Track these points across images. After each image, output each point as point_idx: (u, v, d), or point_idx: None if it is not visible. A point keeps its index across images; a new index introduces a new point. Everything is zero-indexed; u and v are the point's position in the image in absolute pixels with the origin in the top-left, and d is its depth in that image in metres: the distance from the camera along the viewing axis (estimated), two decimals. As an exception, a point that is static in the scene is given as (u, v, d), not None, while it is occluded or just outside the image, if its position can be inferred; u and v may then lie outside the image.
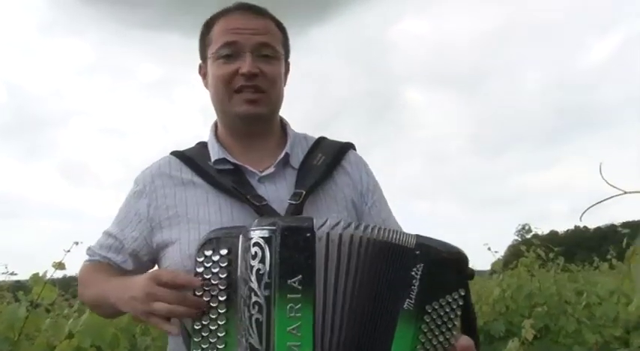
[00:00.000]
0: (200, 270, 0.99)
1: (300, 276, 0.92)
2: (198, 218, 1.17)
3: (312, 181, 1.19)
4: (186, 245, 1.16)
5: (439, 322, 0.96)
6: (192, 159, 1.25)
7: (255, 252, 0.94)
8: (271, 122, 1.27)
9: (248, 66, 1.17)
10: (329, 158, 1.25)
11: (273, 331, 0.92)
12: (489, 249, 4.87)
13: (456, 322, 0.98)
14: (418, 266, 0.96)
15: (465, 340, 0.99)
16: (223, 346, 0.97)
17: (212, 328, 0.98)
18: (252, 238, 0.95)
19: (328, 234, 0.95)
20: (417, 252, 0.97)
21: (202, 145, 1.29)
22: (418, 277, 0.95)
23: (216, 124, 1.30)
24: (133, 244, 1.24)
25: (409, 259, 0.96)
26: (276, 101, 1.24)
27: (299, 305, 0.92)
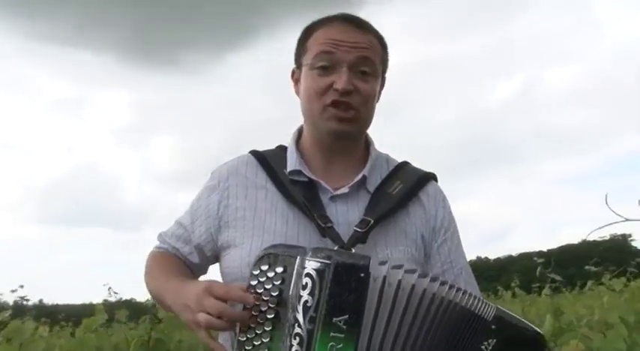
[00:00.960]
0: (254, 283, 1.00)
1: (346, 316, 0.90)
2: (264, 226, 1.17)
3: (383, 210, 1.15)
4: (247, 251, 1.16)
5: None
6: (270, 164, 1.24)
7: (306, 282, 0.93)
8: (358, 140, 1.25)
9: (343, 83, 1.14)
10: (406, 187, 1.20)
11: None
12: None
13: None
14: (490, 341, 0.91)
15: None
16: None
17: (256, 343, 0.98)
18: (305, 268, 0.94)
19: (385, 277, 0.93)
20: (493, 326, 0.92)
21: (282, 149, 1.28)
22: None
23: (299, 131, 1.29)
24: (199, 238, 1.25)
25: (482, 331, 0.92)
26: (366, 120, 1.22)
27: (341, 345, 0.90)
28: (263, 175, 1.23)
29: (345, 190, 1.19)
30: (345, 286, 0.91)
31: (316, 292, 0.92)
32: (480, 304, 0.93)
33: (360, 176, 1.20)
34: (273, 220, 1.17)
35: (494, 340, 0.90)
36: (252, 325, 0.99)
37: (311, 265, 0.94)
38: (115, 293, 4.63)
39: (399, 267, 0.94)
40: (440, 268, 1.18)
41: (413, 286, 0.92)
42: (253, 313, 0.99)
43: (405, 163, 1.28)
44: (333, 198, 1.18)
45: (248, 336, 0.99)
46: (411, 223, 1.19)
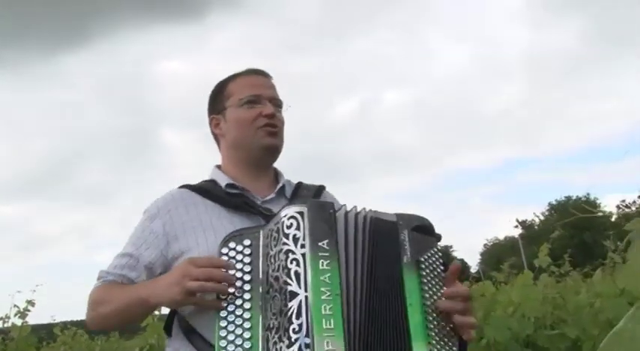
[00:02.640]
0: (225, 260, 1.20)
1: (327, 240, 1.17)
2: (214, 227, 1.37)
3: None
4: (205, 247, 1.32)
5: (432, 269, 1.25)
6: (203, 187, 1.48)
7: (291, 223, 1.18)
8: (277, 156, 1.55)
9: (270, 109, 1.48)
10: (312, 193, 1.54)
11: (309, 279, 1.13)
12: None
13: (441, 269, 1.26)
14: (405, 231, 1.26)
15: (464, 287, 1.28)
16: (249, 326, 1.16)
17: (237, 313, 1.17)
18: (286, 214, 1.20)
19: (346, 212, 1.24)
20: (400, 222, 1.27)
21: (207, 181, 1.52)
22: (407, 239, 1.25)
23: (217, 166, 1.56)
24: (148, 258, 1.38)
25: (395, 228, 1.26)
26: (283, 139, 1.54)
27: (328, 261, 1.15)
28: (199, 197, 1.45)
29: (272, 195, 1.49)
30: (322, 219, 1.19)
31: (301, 226, 1.17)
32: (385, 214, 1.29)
33: (281, 184, 1.52)
34: (219, 223, 1.38)
35: (407, 231, 1.26)
36: (231, 297, 1.17)
37: (293, 209, 1.20)
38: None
39: (349, 209, 1.27)
40: None
41: (355, 215, 1.25)
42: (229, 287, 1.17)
43: (302, 182, 1.60)
44: (263, 203, 1.46)
45: (228, 310, 1.17)
46: None
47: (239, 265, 1.20)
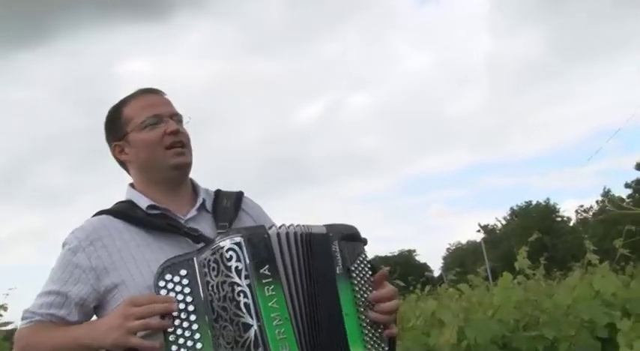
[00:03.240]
0: (163, 293, 1.21)
1: (267, 265, 1.22)
2: (145, 258, 1.35)
3: (230, 216, 1.48)
4: (141, 279, 1.31)
5: (362, 275, 1.33)
6: (123, 211, 1.43)
7: (231, 255, 1.21)
8: (189, 172, 1.54)
9: (173, 126, 1.46)
10: (232, 202, 1.54)
11: (259, 308, 1.18)
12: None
13: (369, 273, 1.34)
14: (335, 242, 1.32)
15: (390, 287, 1.37)
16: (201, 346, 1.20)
17: (187, 336, 1.20)
18: (223, 247, 1.22)
19: (278, 233, 1.28)
20: (330, 234, 1.33)
21: (124, 202, 1.48)
22: (337, 249, 1.32)
23: (131, 185, 1.52)
24: (79, 293, 1.34)
25: (326, 240, 1.32)
26: (191, 153, 1.53)
27: (272, 286, 1.21)
28: (121, 222, 1.41)
29: (193, 212, 1.48)
30: (258, 246, 1.23)
31: (241, 257, 1.21)
32: (315, 228, 1.34)
33: (200, 200, 1.51)
34: (149, 251, 1.37)
35: (337, 241, 1.33)
36: (180, 331, 1.19)
37: (229, 242, 1.22)
38: None
39: (276, 227, 1.32)
40: None
41: (285, 234, 1.29)
42: (174, 314, 1.19)
43: (220, 190, 1.60)
44: (186, 222, 1.45)
45: (179, 343, 1.19)
46: (247, 225, 1.51)
47: (180, 297, 1.21)
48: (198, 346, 1.19)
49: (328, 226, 1.34)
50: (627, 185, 29.40)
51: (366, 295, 1.32)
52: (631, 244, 3.63)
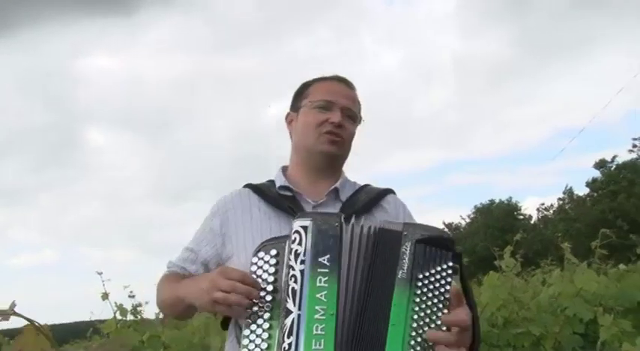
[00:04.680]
0: (254, 269, 1.24)
1: (328, 255, 1.16)
2: (261, 230, 1.43)
3: (352, 210, 1.42)
4: (249, 253, 1.36)
5: (430, 287, 1.15)
6: (260, 188, 1.53)
7: (295, 237, 1.20)
8: (339, 165, 1.56)
9: (338, 117, 1.48)
10: (369, 198, 1.51)
11: (305, 297, 1.14)
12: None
13: (447, 289, 1.15)
14: (407, 244, 1.17)
15: (463, 312, 1.15)
16: (267, 336, 1.18)
17: (259, 315, 1.20)
18: (293, 228, 1.21)
19: (353, 226, 1.21)
20: (405, 233, 1.19)
21: (269, 181, 1.58)
22: (408, 251, 1.17)
23: (283, 168, 1.59)
24: (205, 254, 1.50)
25: (399, 239, 1.18)
26: (347, 150, 1.55)
27: (326, 277, 1.15)
28: (255, 197, 1.51)
29: (322, 199, 1.49)
30: (325, 234, 1.18)
31: (303, 241, 1.18)
32: (390, 224, 1.23)
33: (332, 188, 1.50)
34: (267, 225, 1.44)
35: (409, 243, 1.17)
36: (255, 308, 1.20)
37: (298, 224, 1.21)
38: None
39: (361, 222, 1.24)
40: None
41: (361, 227, 1.22)
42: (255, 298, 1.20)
43: (367, 185, 1.59)
44: (314, 207, 1.47)
45: (251, 319, 1.20)
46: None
47: (264, 275, 1.23)
48: (266, 326, 1.18)
49: (407, 225, 1.22)
50: (587, 184, 30.40)
51: (429, 311, 1.14)
52: (607, 244, 3.80)
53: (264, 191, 1.51)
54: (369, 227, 1.21)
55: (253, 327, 1.20)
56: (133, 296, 4.16)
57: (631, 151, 27.82)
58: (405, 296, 1.14)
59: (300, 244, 1.18)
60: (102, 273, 3.44)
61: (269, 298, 1.20)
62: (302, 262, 1.17)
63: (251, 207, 1.50)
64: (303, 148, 1.54)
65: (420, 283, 1.15)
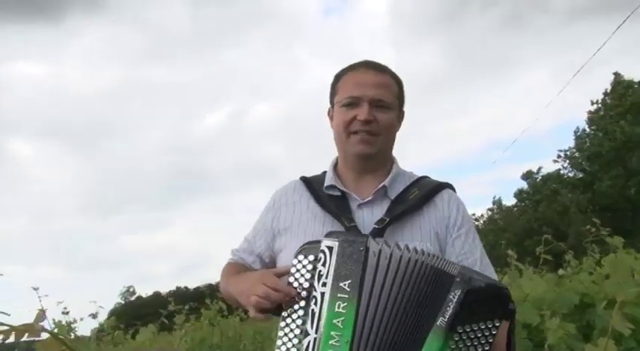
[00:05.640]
0: (293, 271, 1.24)
1: (350, 280, 1.14)
2: (306, 231, 1.43)
3: (400, 211, 1.38)
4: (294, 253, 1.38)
5: (468, 344, 1.08)
6: (312, 184, 1.52)
7: (320, 257, 1.19)
8: (380, 160, 1.48)
9: (364, 114, 1.41)
10: (421, 194, 1.43)
11: (323, 321, 1.14)
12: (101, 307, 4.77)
13: (486, 349, 1.09)
14: (456, 291, 1.10)
15: None
16: (297, 342, 1.18)
17: (294, 319, 1.20)
18: (320, 247, 1.20)
19: (380, 250, 1.16)
20: (458, 279, 1.11)
21: (323, 173, 1.55)
22: (455, 300, 1.09)
23: (335, 160, 1.55)
24: (259, 248, 1.54)
25: (449, 284, 1.11)
26: (385, 143, 1.47)
27: (345, 303, 1.13)
28: (307, 194, 1.50)
29: (369, 197, 1.43)
30: (349, 258, 1.15)
31: (327, 263, 1.17)
32: (445, 263, 1.14)
33: (380, 186, 1.44)
34: (312, 226, 1.44)
35: (459, 290, 1.09)
36: (291, 309, 1.20)
37: (324, 243, 1.20)
38: None
39: (393, 245, 1.17)
40: (455, 259, 1.36)
41: (399, 256, 1.15)
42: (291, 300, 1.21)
43: (424, 177, 1.51)
44: (360, 205, 1.43)
45: (286, 322, 1.21)
46: (426, 222, 1.41)
47: (301, 280, 1.23)
48: (297, 331, 1.18)
49: (464, 270, 1.13)
50: (515, 194, 31.77)
51: None
52: (549, 250, 3.92)
53: (315, 189, 1.50)
54: (408, 259, 1.15)
55: (287, 330, 1.21)
56: (67, 312, 3.93)
57: (555, 161, 29.27)
58: (438, 345, 1.09)
59: (324, 265, 1.17)
60: (38, 288, 3.25)
61: (302, 303, 1.20)
62: (324, 284, 1.16)
63: (302, 204, 1.50)
64: (340, 149, 1.51)
65: (457, 338, 1.09)
